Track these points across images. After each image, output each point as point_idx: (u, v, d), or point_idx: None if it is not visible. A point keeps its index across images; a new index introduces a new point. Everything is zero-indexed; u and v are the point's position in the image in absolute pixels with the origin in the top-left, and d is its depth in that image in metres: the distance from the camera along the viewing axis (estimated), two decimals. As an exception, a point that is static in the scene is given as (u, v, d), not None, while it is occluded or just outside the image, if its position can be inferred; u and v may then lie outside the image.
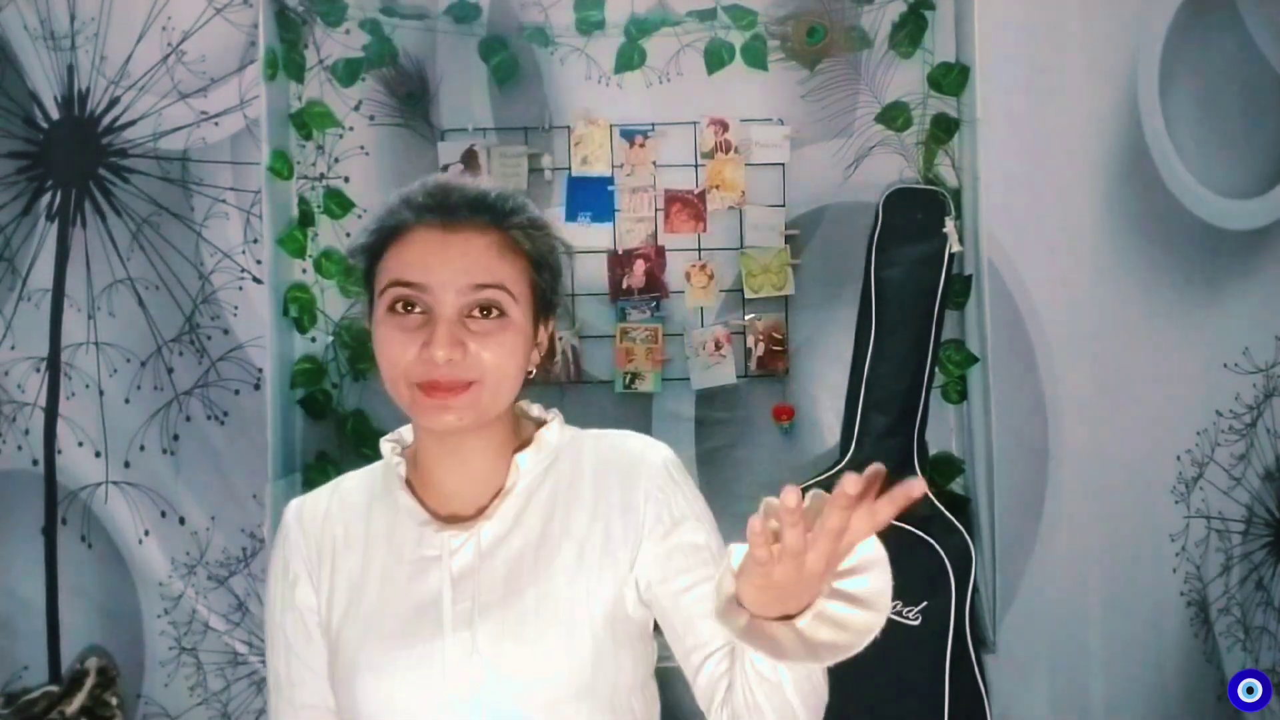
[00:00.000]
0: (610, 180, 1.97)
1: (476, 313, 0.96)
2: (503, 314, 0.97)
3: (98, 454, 2.01)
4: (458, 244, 0.97)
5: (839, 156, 1.98)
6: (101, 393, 2.00)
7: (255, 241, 1.97)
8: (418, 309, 0.96)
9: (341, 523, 1.05)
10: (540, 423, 1.08)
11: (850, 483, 0.69)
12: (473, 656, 0.96)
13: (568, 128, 1.97)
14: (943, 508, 1.86)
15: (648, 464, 1.03)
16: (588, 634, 0.96)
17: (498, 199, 1.00)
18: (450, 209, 0.98)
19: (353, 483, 1.10)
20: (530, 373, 1.02)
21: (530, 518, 1.02)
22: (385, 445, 1.08)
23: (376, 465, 1.10)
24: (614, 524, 1.01)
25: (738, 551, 0.79)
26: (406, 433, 1.09)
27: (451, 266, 0.96)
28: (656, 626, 1.03)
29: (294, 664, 1.03)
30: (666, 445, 1.07)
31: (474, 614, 0.97)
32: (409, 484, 1.04)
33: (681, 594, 0.98)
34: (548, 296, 1.03)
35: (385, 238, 0.99)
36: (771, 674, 0.85)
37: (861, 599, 0.77)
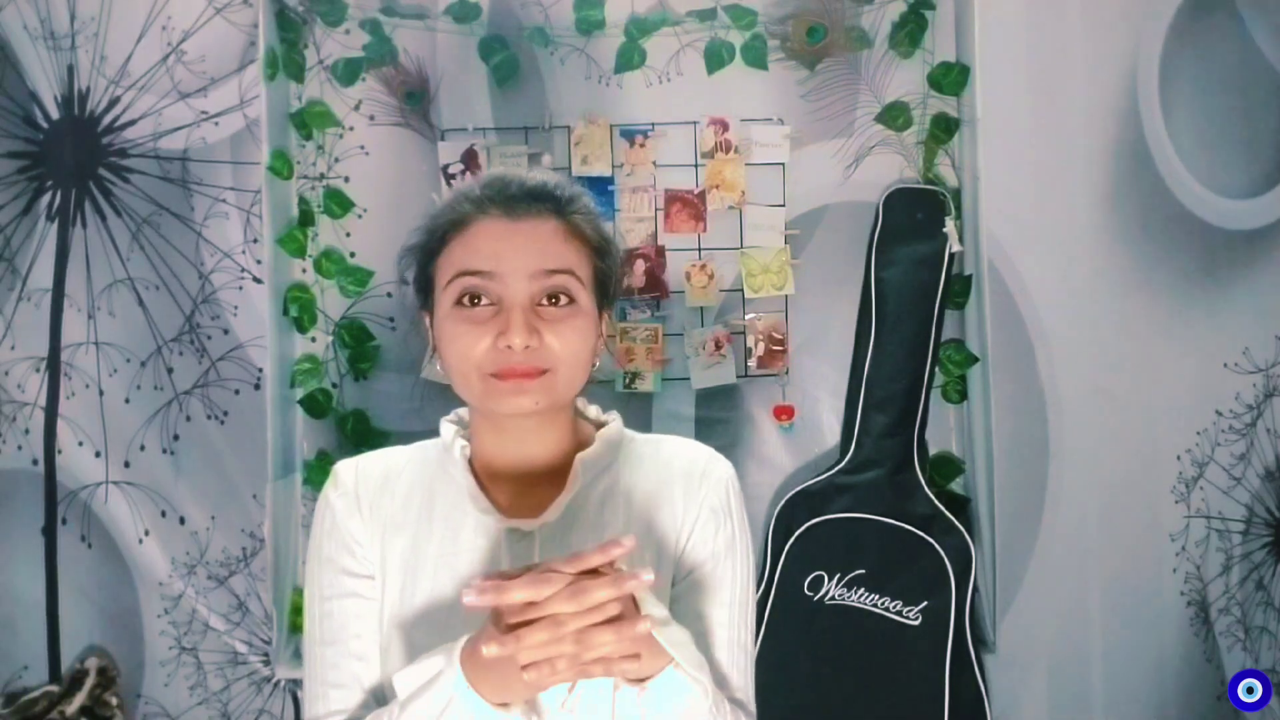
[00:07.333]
0: (610, 180, 1.97)
1: (546, 300, 0.95)
2: (572, 300, 0.96)
3: (98, 454, 2.01)
4: (524, 231, 0.96)
5: (839, 156, 1.98)
6: (101, 393, 2.00)
7: (255, 241, 1.97)
8: (486, 300, 0.95)
9: (395, 495, 1.02)
10: (597, 423, 1.07)
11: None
12: None
13: (568, 128, 1.97)
14: (943, 508, 1.87)
15: (712, 477, 1.03)
16: None
17: (557, 187, 1.00)
18: (511, 199, 0.97)
19: (404, 457, 1.06)
20: (594, 364, 1.01)
21: (587, 518, 1.00)
22: (447, 426, 1.05)
23: (428, 444, 1.07)
24: (669, 530, 1.00)
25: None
26: (465, 415, 1.07)
27: (521, 253, 0.95)
28: None
29: (334, 644, 0.99)
30: (728, 461, 1.06)
31: None
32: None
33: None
34: (609, 285, 1.02)
35: (444, 233, 0.98)
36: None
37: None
